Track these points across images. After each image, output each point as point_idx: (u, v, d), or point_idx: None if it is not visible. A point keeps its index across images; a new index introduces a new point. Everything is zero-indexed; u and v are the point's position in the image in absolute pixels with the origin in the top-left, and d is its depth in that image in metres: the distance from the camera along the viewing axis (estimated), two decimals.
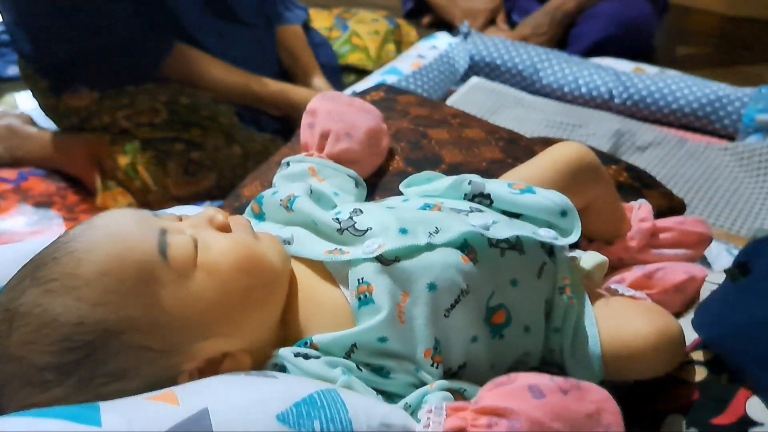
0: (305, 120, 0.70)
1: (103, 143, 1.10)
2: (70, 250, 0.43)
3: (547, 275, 0.54)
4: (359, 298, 0.48)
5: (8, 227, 1.07)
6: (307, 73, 1.28)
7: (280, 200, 0.57)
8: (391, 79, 1.27)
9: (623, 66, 1.47)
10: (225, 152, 1.09)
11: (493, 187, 0.57)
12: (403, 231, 0.51)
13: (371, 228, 0.51)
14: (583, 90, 1.36)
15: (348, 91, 1.27)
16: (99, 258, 0.43)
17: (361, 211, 0.54)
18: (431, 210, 0.54)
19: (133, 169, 1.07)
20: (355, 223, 0.52)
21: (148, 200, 1.07)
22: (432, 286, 0.48)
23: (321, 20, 1.44)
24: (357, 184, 0.66)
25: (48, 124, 1.26)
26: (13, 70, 1.66)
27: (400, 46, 1.51)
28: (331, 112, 0.69)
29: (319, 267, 0.52)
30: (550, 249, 0.55)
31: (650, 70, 1.46)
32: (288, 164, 0.67)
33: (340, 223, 0.53)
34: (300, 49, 1.29)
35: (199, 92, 1.12)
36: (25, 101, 1.51)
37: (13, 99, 1.54)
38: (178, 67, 1.11)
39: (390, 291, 0.48)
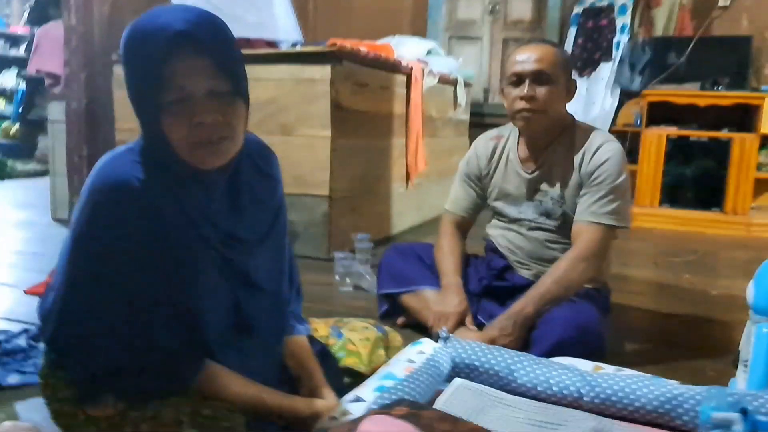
0: None
1: None
2: None
3: None
4: None
5: None
6: (312, 380, 1.41)
7: None
8: (388, 384, 1.41)
9: (584, 365, 1.66)
10: None
11: None
12: None
13: None
14: (555, 389, 1.52)
15: (350, 396, 1.39)
16: None
17: None
18: None
19: None
20: None
21: None
22: None
23: (319, 329, 1.62)
24: None
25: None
26: (13, 379, 1.72)
27: (389, 350, 1.68)
28: None
29: None
30: None
31: (608, 368, 1.65)
32: None
33: None
34: (305, 358, 1.44)
35: (218, 403, 1.22)
36: (26, 411, 1.55)
37: (12, 408, 1.58)
38: (204, 382, 1.22)
39: None
